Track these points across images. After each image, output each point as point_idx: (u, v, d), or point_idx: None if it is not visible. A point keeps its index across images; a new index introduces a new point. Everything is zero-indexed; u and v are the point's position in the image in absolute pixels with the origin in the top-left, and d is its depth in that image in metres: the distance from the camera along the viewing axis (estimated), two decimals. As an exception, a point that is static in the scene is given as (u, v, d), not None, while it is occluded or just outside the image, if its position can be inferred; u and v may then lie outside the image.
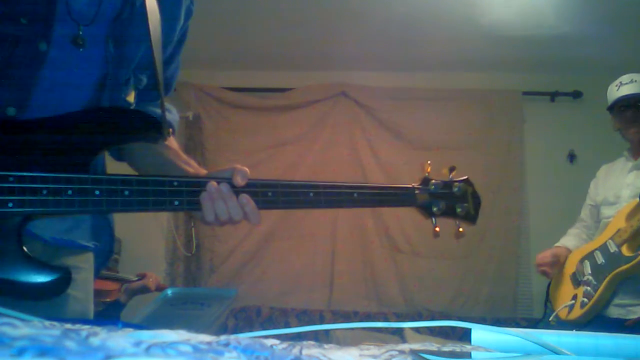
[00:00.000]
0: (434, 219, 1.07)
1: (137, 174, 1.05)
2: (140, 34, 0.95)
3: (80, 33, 0.92)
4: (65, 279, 0.82)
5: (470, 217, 1.09)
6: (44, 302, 0.83)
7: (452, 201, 1.08)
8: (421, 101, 3.83)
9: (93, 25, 0.92)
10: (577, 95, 3.75)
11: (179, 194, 0.90)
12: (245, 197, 0.93)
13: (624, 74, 2.36)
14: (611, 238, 2.17)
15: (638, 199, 2.11)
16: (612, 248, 2.14)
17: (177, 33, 1.05)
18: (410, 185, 1.06)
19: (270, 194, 0.94)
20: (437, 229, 1.07)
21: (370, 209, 3.75)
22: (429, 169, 1.09)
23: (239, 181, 0.93)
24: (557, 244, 2.45)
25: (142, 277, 2.65)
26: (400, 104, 3.82)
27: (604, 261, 2.15)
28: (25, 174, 0.79)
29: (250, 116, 3.87)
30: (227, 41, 3.52)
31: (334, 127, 3.85)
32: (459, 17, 3.17)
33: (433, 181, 1.07)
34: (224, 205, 0.92)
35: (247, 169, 0.95)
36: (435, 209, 1.06)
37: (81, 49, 0.92)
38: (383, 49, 3.61)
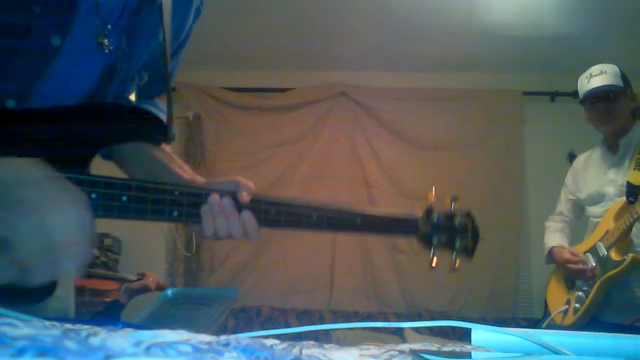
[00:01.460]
0: (432, 251, 1.04)
1: (125, 175, 1.01)
2: (152, 31, 0.91)
3: (107, 32, 0.85)
4: (48, 287, 0.76)
5: (468, 252, 1.07)
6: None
7: (452, 234, 1.05)
8: (421, 101, 3.83)
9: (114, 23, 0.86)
10: (577, 95, 3.74)
11: (179, 205, 0.84)
12: (247, 214, 0.88)
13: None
14: (600, 240, 2.14)
15: (625, 199, 2.08)
16: (602, 251, 2.11)
17: (184, 33, 1.03)
18: (414, 216, 1.04)
19: (273, 212, 0.90)
20: (434, 263, 1.05)
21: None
22: (432, 198, 1.06)
23: (245, 197, 0.88)
24: (553, 245, 2.37)
25: (141, 276, 2.65)
26: (400, 104, 3.83)
27: (594, 265, 2.13)
28: None
29: (250, 116, 3.87)
30: (227, 41, 3.52)
31: (334, 127, 3.85)
32: (459, 17, 3.17)
33: (436, 212, 1.05)
34: (225, 221, 0.87)
35: (251, 184, 0.91)
36: (435, 241, 1.04)
37: (107, 50, 0.86)
38: (383, 49, 3.61)
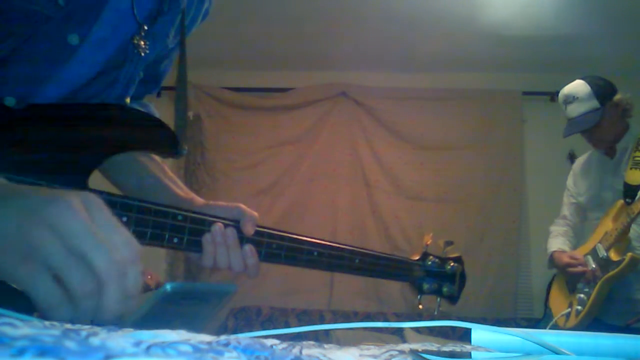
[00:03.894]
0: (420, 296, 1.07)
1: (113, 186, 0.94)
2: (165, 32, 0.86)
3: (144, 34, 0.78)
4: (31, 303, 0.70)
5: (453, 298, 1.09)
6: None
7: (441, 280, 1.08)
8: (421, 101, 3.84)
9: (130, 22, 0.77)
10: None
11: (181, 231, 0.77)
12: (250, 249, 0.83)
13: (614, 78, 2.22)
14: (600, 242, 2.14)
15: (622, 200, 2.08)
16: (601, 252, 2.11)
17: (191, 33, 0.98)
18: (413, 260, 1.06)
19: (274, 246, 0.86)
20: (421, 306, 1.07)
21: (369, 209, 3.76)
22: (429, 241, 1.09)
23: (249, 230, 0.83)
24: (554, 249, 2.38)
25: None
26: (400, 104, 3.83)
27: (594, 266, 2.13)
28: (10, 175, 0.62)
29: (250, 116, 3.87)
30: (227, 41, 3.52)
31: (334, 127, 3.85)
32: (459, 17, 3.17)
33: (431, 258, 1.08)
34: (226, 252, 0.81)
35: (256, 214, 0.85)
36: (426, 286, 1.06)
37: (143, 53, 0.79)
38: (383, 49, 3.61)
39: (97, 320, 0.49)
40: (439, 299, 1.09)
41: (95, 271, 0.47)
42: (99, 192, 0.71)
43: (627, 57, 3.37)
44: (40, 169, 0.67)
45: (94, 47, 0.75)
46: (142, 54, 0.80)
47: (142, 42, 0.79)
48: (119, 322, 0.51)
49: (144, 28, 0.79)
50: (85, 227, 0.48)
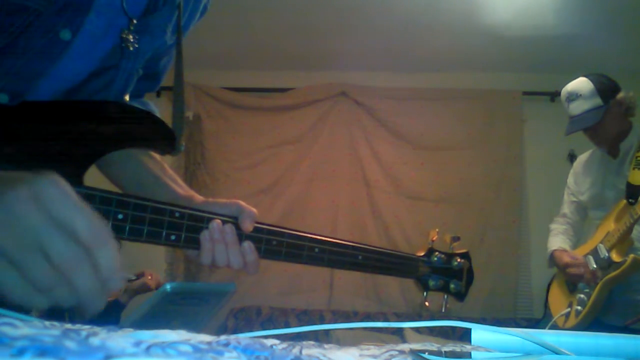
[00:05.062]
0: (426, 293, 1.05)
1: (112, 184, 0.94)
2: (161, 29, 0.86)
3: (133, 28, 0.77)
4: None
5: (460, 295, 1.07)
6: None
7: (448, 276, 1.06)
8: (421, 101, 3.84)
9: (121, 16, 0.76)
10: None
11: (178, 228, 0.76)
12: (249, 245, 0.82)
13: (609, 75, 2.20)
14: (601, 242, 2.13)
15: (625, 201, 2.07)
16: (603, 253, 2.09)
17: (188, 30, 0.98)
18: (416, 257, 1.04)
19: (274, 242, 0.85)
20: (427, 303, 1.05)
21: (369, 209, 3.76)
22: (434, 237, 1.06)
23: (248, 226, 0.82)
24: (554, 248, 2.36)
25: (140, 275, 2.65)
26: (400, 104, 3.83)
27: (595, 267, 2.12)
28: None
29: (250, 116, 3.87)
30: (227, 41, 3.52)
31: (334, 127, 3.85)
32: (459, 17, 3.17)
33: (437, 254, 1.06)
34: (225, 249, 0.81)
35: (255, 210, 0.84)
36: (432, 283, 1.04)
37: (132, 48, 0.79)
38: (383, 49, 3.61)
39: (84, 305, 0.48)
40: (445, 296, 1.07)
41: (54, 265, 0.45)
42: (94, 189, 0.70)
43: (627, 56, 3.37)
44: (34, 165, 0.66)
45: (87, 43, 0.75)
46: (131, 48, 0.79)
47: (131, 37, 0.78)
48: (104, 306, 0.49)
49: (132, 22, 0.78)
50: (38, 220, 0.44)
